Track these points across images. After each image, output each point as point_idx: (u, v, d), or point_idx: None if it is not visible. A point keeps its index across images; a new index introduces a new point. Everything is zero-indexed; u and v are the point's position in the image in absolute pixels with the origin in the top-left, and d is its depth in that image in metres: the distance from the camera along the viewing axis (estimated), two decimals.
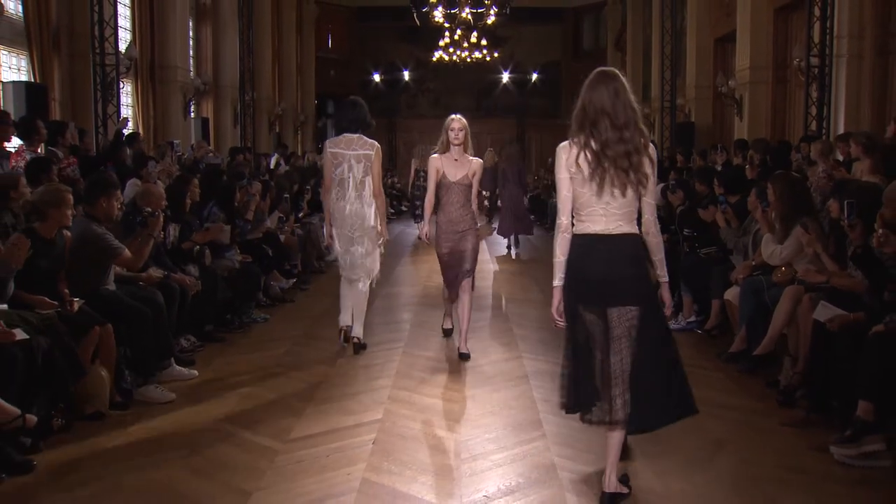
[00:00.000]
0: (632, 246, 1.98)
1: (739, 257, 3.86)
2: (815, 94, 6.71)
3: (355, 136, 3.50)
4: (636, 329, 1.96)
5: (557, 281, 2.02)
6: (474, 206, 3.64)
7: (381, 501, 2.13)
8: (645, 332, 1.97)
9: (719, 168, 5.55)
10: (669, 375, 2.03)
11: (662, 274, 2.06)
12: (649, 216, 2.02)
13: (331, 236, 3.57)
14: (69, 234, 2.91)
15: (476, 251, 3.65)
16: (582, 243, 1.98)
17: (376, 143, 3.50)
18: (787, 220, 3.27)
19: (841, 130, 6.04)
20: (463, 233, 3.58)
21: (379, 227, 3.52)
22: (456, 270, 3.62)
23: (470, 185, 3.59)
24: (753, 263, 3.57)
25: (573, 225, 1.99)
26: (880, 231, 2.46)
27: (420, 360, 3.60)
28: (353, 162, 3.45)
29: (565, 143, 2.00)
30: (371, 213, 3.48)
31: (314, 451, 2.47)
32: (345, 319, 3.66)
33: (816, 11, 6.62)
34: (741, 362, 3.36)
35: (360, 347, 3.63)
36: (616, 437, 2.02)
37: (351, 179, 3.44)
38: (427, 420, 2.80)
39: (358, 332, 3.61)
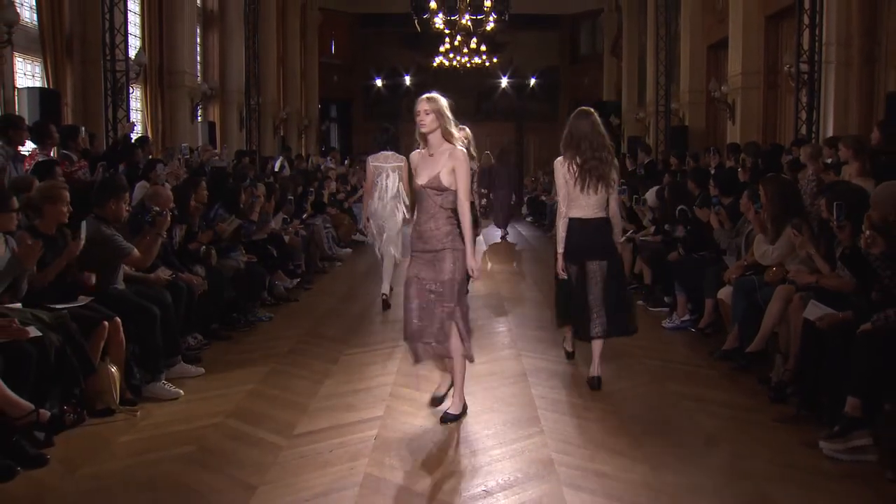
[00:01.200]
0: (603, 224, 3.10)
1: (732, 258, 3.93)
2: (804, 99, 6.81)
3: (389, 153, 4.66)
4: (604, 273, 3.09)
5: (561, 249, 3.10)
6: (465, 218, 2.61)
7: (383, 496, 2.17)
8: (609, 275, 3.10)
9: (713, 171, 5.63)
10: (622, 301, 3.16)
11: (619, 239, 3.26)
12: (614, 206, 3.15)
13: (367, 220, 4.75)
14: (69, 230, 2.92)
15: (455, 282, 2.62)
16: (572, 223, 3.09)
17: (405, 157, 4.24)
18: (779, 221, 3.35)
19: (830, 134, 6.14)
20: (436, 253, 2.63)
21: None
22: (423, 308, 2.59)
23: (444, 190, 2.60)
24: (745, 263, 3.64)
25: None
26: (868, 233, 2.52)
27: None
28: (389, 172, 4.61)
29: (560, 158, 3.05)
30: (399, 209, 4.59)
31: (317, 446, 2.52)
32: (385, 288, 4.81)
33: (806, 19, 6.74)
34: (734, 360, 3.42)
35: (386, 305, 4.73)
36: (597, 344, 3.13)
37: (388, 185, 4.58)
38: (427, 416, 2.85)
39: (385, 289, 4.76)
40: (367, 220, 4.73)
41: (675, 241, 4.56)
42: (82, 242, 2.84)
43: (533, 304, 5.03)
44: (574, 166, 3.01)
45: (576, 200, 3.04)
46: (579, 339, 3.26)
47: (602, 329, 3.08)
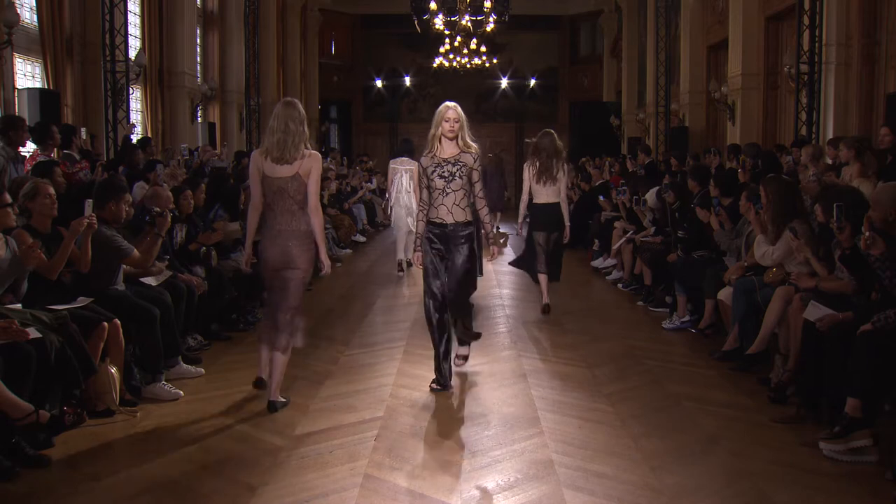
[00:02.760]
0: (556, 208, 4.53)
1: (732, 258, 3.93)
2: (804, 100, 6.83)
3: (405, 158, 6.19)
4: (554, 241, 4.57)
5: (521, 219, 4.72)
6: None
7: (383, 497, 2.17)
8: (556, 241, 4.60)
9: (713, 171, 5.63)
10: (557, 259, 4.63)
11: (566, 218, 4.57)
12: (563, 194, 4.59)
13: (389, 209, 6.49)
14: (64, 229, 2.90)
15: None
16: (536, 207, 4.59)
17: (416, 162, 4.90)
18: (779, 221, 3.35)
19: (830, 135, 6.16)
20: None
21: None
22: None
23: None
24: (745, 264, 3.64)
25: (531, 198, 4.61)
26: (867, 234, 2.52)
27: (420, 359, 3.64)
28: (404, 173, 6.19)
29: (528, 162, 4.60)
30: (411, 200, 6.05)
31: (318, 447, 2.52)
32: (399, 255, 6.36)
33: (806, 20, 6.76)
34: (734, 360, 3.42)
35: (405, 267, 6.25)
36: (543, 278, 4.63)
37: (403, 183, 6.20)
38: (427, 417, 2.86)
39: (400, 255, 6.37)
40: (387, 203, 6.58)
41: (676, 242, 4.57)
42: (86, 220, 2.80)
43: (532, 305, 5.03)
44: (534, 168, 4.51)
45: (537, 192, 4.54)
46: (535, 277, 4.70)
47: (545, 269, 4.62)
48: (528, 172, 4.47)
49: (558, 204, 4.43)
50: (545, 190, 4.42)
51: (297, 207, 2.76)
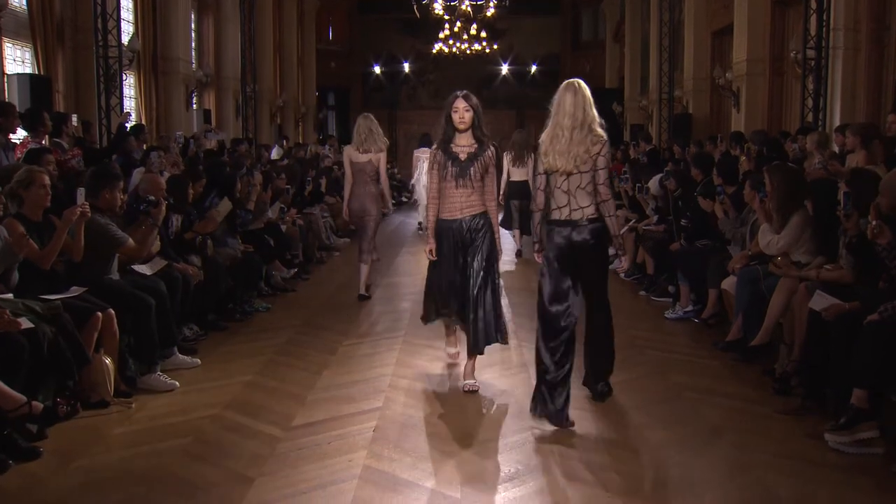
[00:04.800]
0: (526, 184, 6.10)
1: (737, 247, 3.88)
2: (811, 86, 6.72)
3: (426, 148, 6.78)
4: (525, 206, 6.09)
5: (501, 193, 5.86)
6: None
7: (382, 488, 2.15)
8: (525, 206, 6.13)
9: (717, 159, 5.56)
10: (527, 218, 6.25)
11: (532, 189, 4.27)
12: (531, 175, 5.61)
13: (411, 186, 8.79)
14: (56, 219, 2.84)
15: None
16: (511, 183, 6.40)
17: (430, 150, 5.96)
18: (784, 210, 3.29)
19: (837, 122, 6.07)
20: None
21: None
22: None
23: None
24: (750, 253, 3.60)
25: (509, 177, 6.43)
26: (874, 222, 2.47)
27: (420, 349, 3.62)
28: (424, 160, 7.49)
29: (506, 152, 6.36)
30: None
31: (316, 438, 2.50)
32: (420, 217, 7.99)
33: (813, 4, 6.64)
34: (737, 351, 3.39)
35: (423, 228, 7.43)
36: (517, 232, 6.62)
37: (424, 168, 7.16)
38: (427, 408, 2.83)
39: (421, 218, 8.05)
40: (412, 184, 8.75)
41: (678, 230, 4.51)
42: (79, 209, 2.76)
43: (534, 293, 4.97)
44: (510, 156, 6.33)
45: (513, 172, 6.34)
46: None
47: (518, 225, 6.49)
48: (506, 160, 6.36)
49: (527, 181, 6.15)
50: (518, 171, 6.35)
51: (370, 179, 4.59)
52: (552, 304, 2.58)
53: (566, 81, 2.63)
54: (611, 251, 2.78)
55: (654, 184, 5.19)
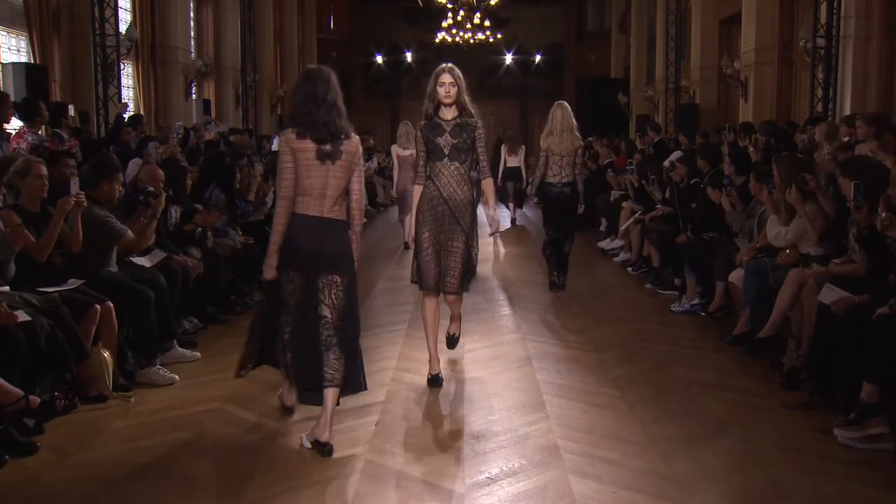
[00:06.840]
0: (518, 170, 8.35)
1: (744, 240, 3.82)
2: (821, 76, 6.59)
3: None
4: (517, 187, 8.52)
5: (499, 177, 8.17)
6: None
7: (384, 482, 2.13)
8: (518, 187, 8.51)
9: (725, 150, 5.49)
10: (520, 196, 8.84)
11: (523, 173, 8.31)
12: (522, 163, 8.34)
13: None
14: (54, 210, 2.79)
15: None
16: (506, 169, 8.36)
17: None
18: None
19: (847, 112, 5.96)
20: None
21: None
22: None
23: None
24: (758, 245, 3.54)
25: (505, 164, 8.34)
26: (884, 215, 2.42)
27: (423, 343, 3.56)
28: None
29: (503, 144, 8.69)
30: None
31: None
32: None
33: None
34: (744, 344, 3.35)
35: None
36: (512, 206, 8.80)
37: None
38: (429, 402, 2.81)
39: None
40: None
41: (684, 219, 4.47)
42: (73, 198, 2.71)
43: (537, 287, 4.96)
44: (507, 147, 8.08)
45: (508, 160, 8.08)
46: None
47: (510, 203, 8.48)
48: (504, 149, 8.22)
49: (519, 168, 8.11)
50: (511, 159, 8.13)
51: (410, 167, 5.46)
52: (551, 229, 4.64)
53: (556, 102, 4.56)
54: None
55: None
